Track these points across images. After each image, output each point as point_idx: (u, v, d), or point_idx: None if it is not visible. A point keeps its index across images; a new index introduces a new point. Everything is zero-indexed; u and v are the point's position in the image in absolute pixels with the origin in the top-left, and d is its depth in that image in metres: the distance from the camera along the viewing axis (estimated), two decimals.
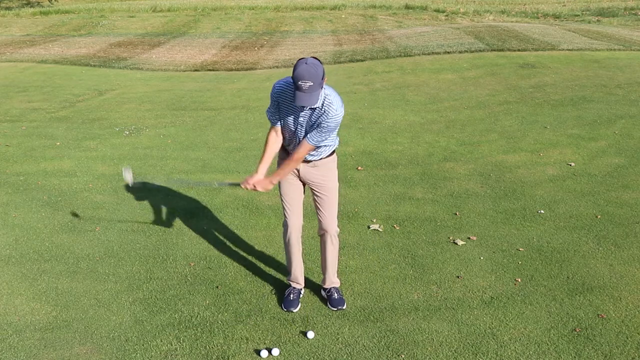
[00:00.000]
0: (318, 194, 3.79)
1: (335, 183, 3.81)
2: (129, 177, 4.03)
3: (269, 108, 3.62)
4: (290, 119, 3.53)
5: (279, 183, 3.78)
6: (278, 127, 3.62)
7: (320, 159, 3.69)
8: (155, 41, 19.09)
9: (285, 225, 3.87)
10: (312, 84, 3.22)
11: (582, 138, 7.47)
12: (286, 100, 3.50)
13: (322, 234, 3.88)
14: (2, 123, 9.05)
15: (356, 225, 5.21)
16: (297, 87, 3.24)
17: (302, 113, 3.48)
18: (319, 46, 17.21)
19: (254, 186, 3.71)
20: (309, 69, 3.21)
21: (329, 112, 3.42)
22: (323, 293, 4.04)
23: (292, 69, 3.37)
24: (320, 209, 3.81)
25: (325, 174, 3.76)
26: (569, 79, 10.93)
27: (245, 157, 7.17)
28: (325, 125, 3.44)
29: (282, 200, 3.83)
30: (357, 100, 10.21)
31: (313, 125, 3.47)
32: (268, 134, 3.68)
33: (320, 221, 3.84)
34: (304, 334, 3.64)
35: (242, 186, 3.76)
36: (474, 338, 3.58)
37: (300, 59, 3.30)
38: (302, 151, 3.56)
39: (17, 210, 5.62)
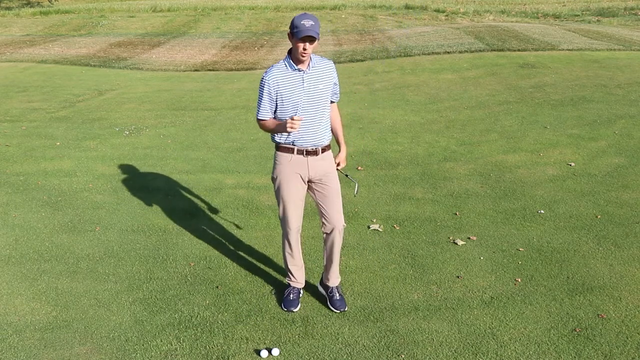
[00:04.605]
0: (325, 186, 3.75)
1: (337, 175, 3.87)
2: None
3: (264, 102, 3.59)
4: (305, 100, 3.56)
5: (283, 184, 3.73)
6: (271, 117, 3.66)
7: (327, 145, 3.76)
8: (155, 41, 19.09)
9: (286, 227, 3.82)
10: (313, 23, 3.39)
11: (582, 138, 7.47)
12: (287, 84, 3.54)
13: (329, 231, 3.79)
14: (2, 123, 9.05)
15: (356, 225, 5.21)
16: (300, 25, 3.38)
17: (311, 84, 3.57)
18: (319, 46, 17.20)
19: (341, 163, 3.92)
20: (310, 15, 3.44)
21: (329, 62, 3.68)
22: (323, 292, 4.00)
23: None
24: (329, 203, 3.76)
25: (331, 165, 3.79)
26: (569, 79, 10.93)
27: (245, 157, 7.18)
28: (336, 75, 3.71)
29: (284, 201, 3.75)
30: (357, 100, 10.21)
31: (325, 88, 3.63)
32: (265, 122, 3.66)
33: (327, 217, 3.76)
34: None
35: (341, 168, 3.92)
36: (474, 338, 3.58)
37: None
38: (338, 113, 3.96)
39: (17, 210, 5.62)
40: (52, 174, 6.62)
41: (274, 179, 3.79)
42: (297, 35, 3.37)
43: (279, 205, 3.81)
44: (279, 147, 3.72)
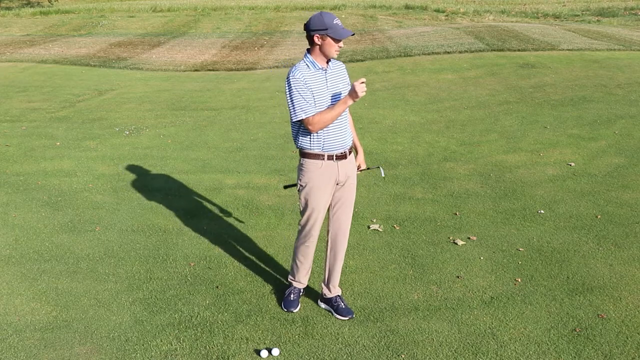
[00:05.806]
0: (345, 192, 3.72)
1: None
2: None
3: (302, 100, 3.44)
4: (330, 101, 3.54)
5: (313, 192, 3.63)
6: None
7: (351, 147, 3.80)
8: (155, 41, 19.09)
9: (309, 233, 3.75)
10: (340, 22, 3.48)
11: (582, 138, 7.47)
12: (314, 83, 3.50)
13: (335, 235, 3.79)
14: (2, 123, 9.05)
15: (356, 225, 5.21)
16: (334, 25, 3.40)
17: (333, 84, 3.58)
18: None
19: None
20: (331, 13, 3.47)
21: (341, 63, 3.73)
22: (326, 307, 3.93)
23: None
24: (343, 209, 3.75)
25: (354, 167, 3.80)
26: (569, 79, 10.94)
27: (245, 157, 7.18)
28: (348, 76, 3.76)
29: (312, 208, 3.66)
30: (357, 100, 10.19)
31: (344, 88, 3.66)
32: (313, 117, 3.48)
33: (338, 222, 3.77)
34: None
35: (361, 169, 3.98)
36: (474, 338, 3.58)
37: (315, 14, 3.48)
38: (350, 116, 3.92)
39: (17, 210, 5.62)
40: (52, 174, 6.63)
41: (301, 187, 3.66)
42: (336, 35, 3.39)
43: (304, 211, 3.70)
44: (306, 154, 3.60)
